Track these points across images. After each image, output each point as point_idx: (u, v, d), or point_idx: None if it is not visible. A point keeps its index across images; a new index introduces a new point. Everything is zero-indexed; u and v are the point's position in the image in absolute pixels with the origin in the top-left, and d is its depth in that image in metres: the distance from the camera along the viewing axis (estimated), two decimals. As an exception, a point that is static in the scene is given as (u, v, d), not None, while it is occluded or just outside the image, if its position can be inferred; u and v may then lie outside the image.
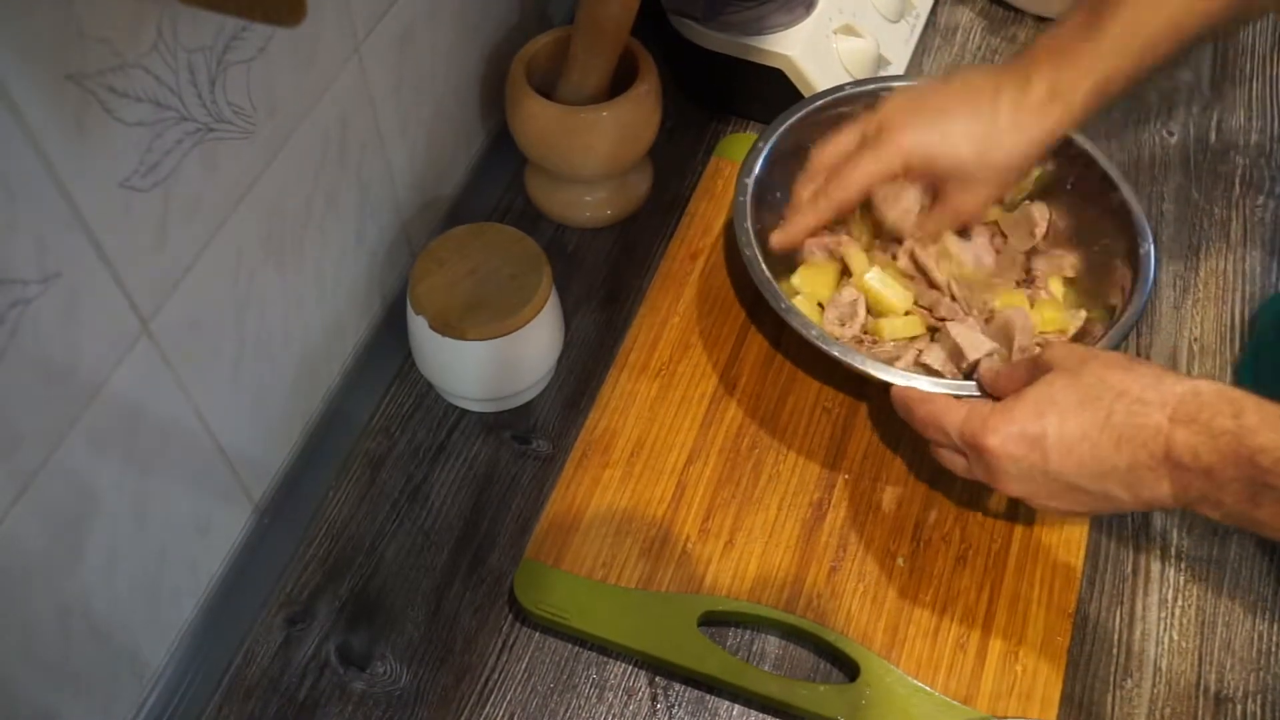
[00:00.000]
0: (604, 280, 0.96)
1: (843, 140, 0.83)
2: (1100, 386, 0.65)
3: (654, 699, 0.76)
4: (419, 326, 0.82)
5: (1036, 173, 0.90)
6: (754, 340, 0.90)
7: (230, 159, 0.65)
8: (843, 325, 0.85)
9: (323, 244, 0.78)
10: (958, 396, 0.74)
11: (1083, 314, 0.85)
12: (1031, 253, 0.90)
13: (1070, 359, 0.68)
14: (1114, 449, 0.63)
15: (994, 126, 0.77)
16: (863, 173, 0.81)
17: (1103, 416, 0.64)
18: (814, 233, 0.85)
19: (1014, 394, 0.68)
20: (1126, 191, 0.86)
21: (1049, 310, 0.85)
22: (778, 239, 0.84)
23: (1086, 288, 0.87)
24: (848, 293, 0.86)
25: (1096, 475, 0.64)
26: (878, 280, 0.85)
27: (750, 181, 0.86)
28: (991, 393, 0.74)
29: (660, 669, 0.77)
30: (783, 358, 0.89)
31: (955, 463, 0.73)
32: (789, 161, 0.89)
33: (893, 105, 0.81)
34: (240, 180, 0.66)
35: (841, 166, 0.82)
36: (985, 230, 0.90)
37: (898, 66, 1.06)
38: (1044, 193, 0.91)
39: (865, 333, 0.85)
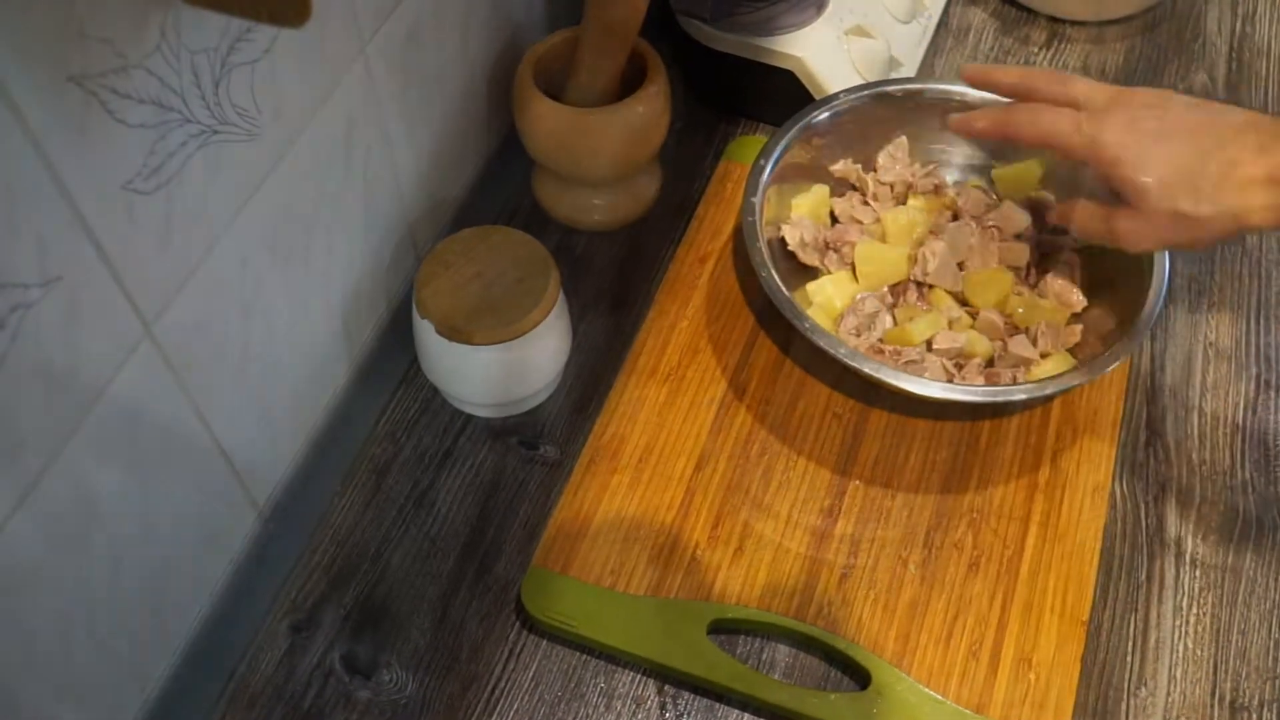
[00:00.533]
0: (612, 284, 0.96)
1: (1055, 85, 0.78)
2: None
3: (663, 708, 0.75)
4: (425, 331, 0.81)
5: (1039, 170, 0.91)
6: (763, 344, 0.89)
7: (235, 162, 0.64)
8: (859, 335, 0.84)
9: (328, 247, 0.77)
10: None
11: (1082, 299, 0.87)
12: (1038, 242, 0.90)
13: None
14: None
15: (1200, 172, 0.71)
16: (1051, 128, 0.77)
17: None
18: (981, 135, 0.83)
19: None
20: None
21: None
22: (955, 123, 0.83)
23: (1097, 276, 0.88)
24: (869, 303, 0.85)
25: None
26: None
27: (758, 200, 0.86)
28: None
29: (669, 677, 0.76)
30: (792, 362, 0.88)
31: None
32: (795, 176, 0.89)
33: (1122, 101, 0.76)
34: (245, 183, 0.66)
35: (1041, 106, 0.78)
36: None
37: (909, 68, 1.06)
38: (1047, 182, 0.91)
39: (883, 342, 0.84)
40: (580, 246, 0.98)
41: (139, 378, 0.61)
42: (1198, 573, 0.80)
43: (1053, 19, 1.15)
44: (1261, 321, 0.93)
